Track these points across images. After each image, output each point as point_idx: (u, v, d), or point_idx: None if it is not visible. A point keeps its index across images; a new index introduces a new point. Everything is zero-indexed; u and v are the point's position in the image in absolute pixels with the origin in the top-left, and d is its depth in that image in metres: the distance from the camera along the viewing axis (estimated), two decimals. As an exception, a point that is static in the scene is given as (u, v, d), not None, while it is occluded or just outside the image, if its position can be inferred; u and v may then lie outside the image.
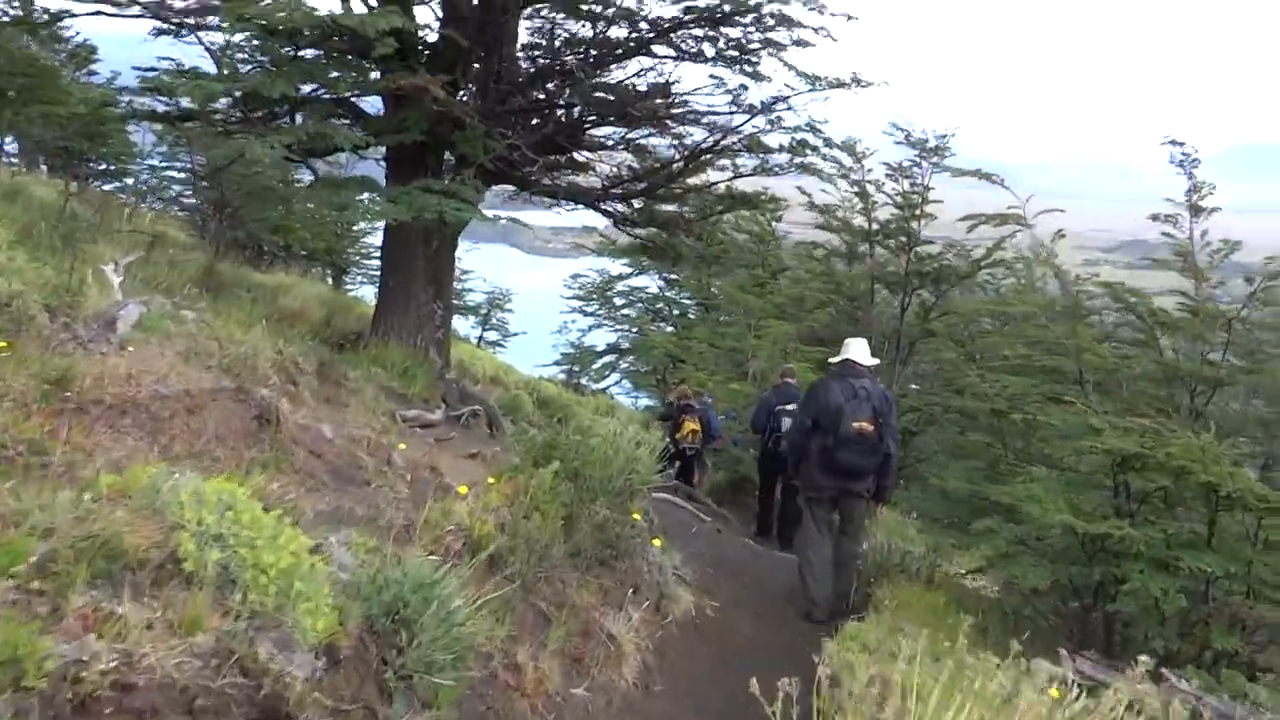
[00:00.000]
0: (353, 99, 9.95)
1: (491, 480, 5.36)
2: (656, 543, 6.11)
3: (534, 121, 9.95)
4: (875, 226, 11.15)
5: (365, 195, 9.00)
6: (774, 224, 29.22)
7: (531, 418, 13.46)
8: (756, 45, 9.46)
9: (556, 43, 10.19)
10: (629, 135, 10.50)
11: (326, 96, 9.57)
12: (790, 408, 9.55)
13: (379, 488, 5.32)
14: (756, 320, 16.43)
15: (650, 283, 31.87)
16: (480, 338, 26.34)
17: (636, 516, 5.36)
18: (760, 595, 7.78)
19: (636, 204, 10.47)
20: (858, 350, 7.08)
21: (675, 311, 30.52)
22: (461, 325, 26.53)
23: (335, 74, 9.06)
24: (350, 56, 9.18)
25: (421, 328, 10.58)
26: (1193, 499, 6.08)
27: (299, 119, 9.89)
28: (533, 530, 4.88)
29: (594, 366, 31.71)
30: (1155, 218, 7.77)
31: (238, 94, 8.82)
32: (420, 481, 6.23)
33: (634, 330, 29.45)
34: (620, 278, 31.08)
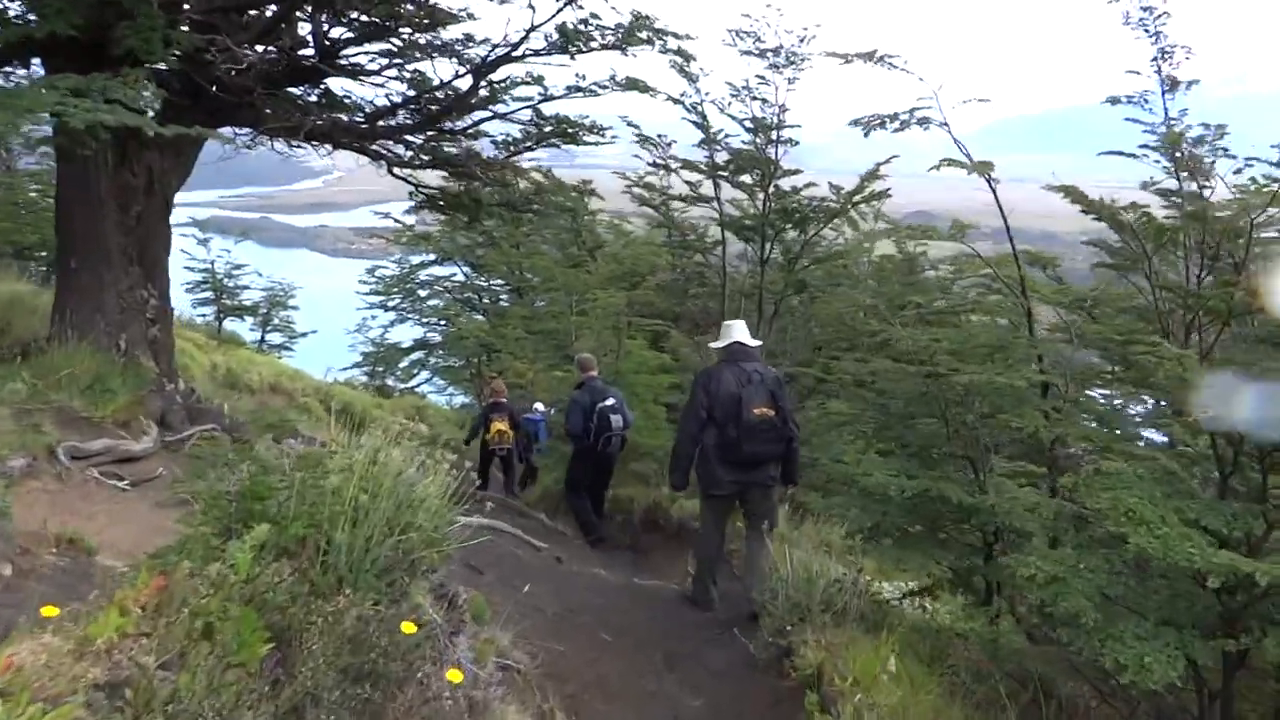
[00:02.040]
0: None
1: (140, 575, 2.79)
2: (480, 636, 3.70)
3: (260, 31, 7.20)
4: (722, 159, 9.03)
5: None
6: (587, 200, 27.25)
7: (303, 433, 10.65)
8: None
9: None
10: (398, 58, 7.89)
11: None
12: (612, 403, 8.95)
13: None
14: (579, 296, 14.14)
15: (456, 270, 29.19)
16: (261, 341, 22.85)
17: (409, 630, 2.88)
18: (634, 658, 5.53)
19: (416, 141, 7.90)
20: (741, 332, 6.68)
21: (486, 299, 27.93)
22: (239, 328, 23.02)
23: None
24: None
25: (125, 325, 7.67)
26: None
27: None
28: (198, 685, 2.37)
29: (401, 365, 28.68)
30: (1115, 100, 6.00)
31: None
32: (36, 573, 3.57)
33: (442, 322, 26.64)
34: (422, 265, 28.14)
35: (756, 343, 6.80)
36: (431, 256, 28.41)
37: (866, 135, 6.67)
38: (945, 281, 10.89)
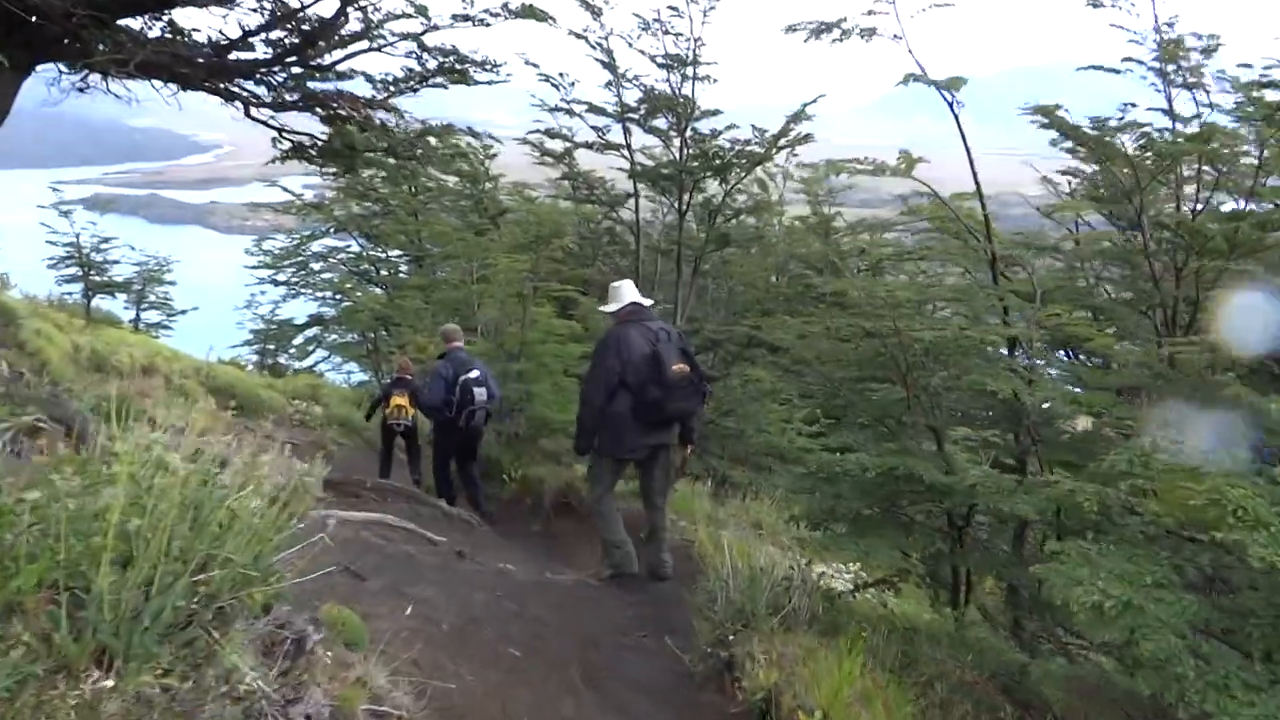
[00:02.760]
0: None
1: None
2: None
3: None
4: (633, 99, 8.06)
5: None
6: (487, 161, 26.03)
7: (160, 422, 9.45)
8: None
9: None
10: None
11: None
12: (476, 375, 8.66)
13: None
14: (480, 262, 13.08)
15: (351, 242, 27.69)
16: (136, 320, 21.05)
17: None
18: (547, 679, 4.66)
19: (277, 78, 6.76)
20: (633, 291, 6.57)
21: (384, 271, 26.53)
22: (115, 308, 21.17)
23: None
24: None
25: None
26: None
27: None
28: None
29: (295, 342, 27.08)
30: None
31: None
32: None
33: (337, 296, 25.16)
34: (314, 237, 26.55)
35: (649, 301, 6.68)
36: (324, 227, 26.86)
37: (806, 42, 5.84)
38: (877, 242, 10.19)
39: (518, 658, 4.83)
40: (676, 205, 7.82)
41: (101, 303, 21.24)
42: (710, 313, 8.37)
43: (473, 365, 8.79)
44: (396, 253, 26.01)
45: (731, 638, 4.20)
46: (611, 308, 6.62)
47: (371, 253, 26.27)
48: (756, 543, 7.96)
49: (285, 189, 26.49)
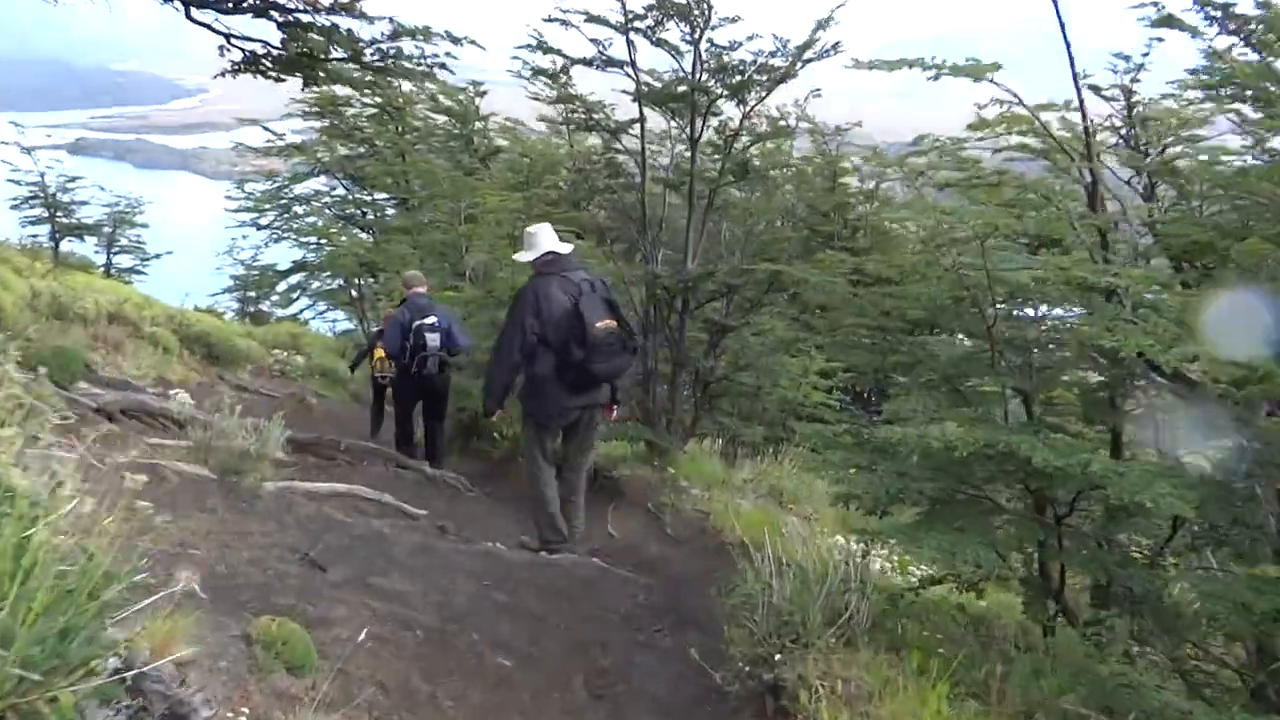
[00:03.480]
0: None
1: None
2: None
3: None
4: (640, 5, 6.91)
5: None
6: (477, 100, 24.85)
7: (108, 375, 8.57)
8: None
9: None
10: None
11: None
12: (431, 321, 8.30)
13: None
14: (468, 202, 12.08)
15: (337, 185, 26.55)
16: (108, 264, 19.91)
17: None
18: (545, 695, 3.82)
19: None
20: (551, 237, 6.02)
21: (370, 214, 25.42)
22: (85, 250, 20.03)
23: None
24: None
25: None
26: None
27: None
28: None
29: (278, 289, 26.01)
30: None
31: None
32: None
33: (320, 242, 24.08)
34: (296, 178, 25.38)
35: (569, 248, 6.14)
36: (308, 168, 25.70)
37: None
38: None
39: (508, 668, 3.98)
40: (689, 131, 6.85)
41: (74, 247, 20.13)
42: (724, 254, 7.46)
43: (430, 311, 8.37)
44: (383, 196, 24.91)
45: (778, 656, 3.32)
46: (527, 256, 6.05)
47: (357, 196, 25.15)
48: (778, 513, 7.13)
49: (266, 128, 25.27)
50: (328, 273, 24.06)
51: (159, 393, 11.47)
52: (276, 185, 25.45)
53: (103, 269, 19.63)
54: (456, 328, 8.51)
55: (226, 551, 4.39)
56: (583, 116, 7.16)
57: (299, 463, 7.11)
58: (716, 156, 7.02)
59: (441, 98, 24.75)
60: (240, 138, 26.48)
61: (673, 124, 7.04)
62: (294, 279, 25.27)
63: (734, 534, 6.37)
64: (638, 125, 7.16)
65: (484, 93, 24.89)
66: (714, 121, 6.90)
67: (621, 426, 7.30)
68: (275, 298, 25.14)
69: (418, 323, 8.31)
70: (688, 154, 7.22)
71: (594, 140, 8.40)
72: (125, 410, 7.18)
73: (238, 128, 25.09)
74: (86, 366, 7.59)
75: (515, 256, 6.63)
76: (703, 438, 7.97)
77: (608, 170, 7.78)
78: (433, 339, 8.26)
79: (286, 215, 25.64)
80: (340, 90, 25.37)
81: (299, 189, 25.71)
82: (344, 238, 24.23)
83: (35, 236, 18.53)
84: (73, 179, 18.62)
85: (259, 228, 25.65)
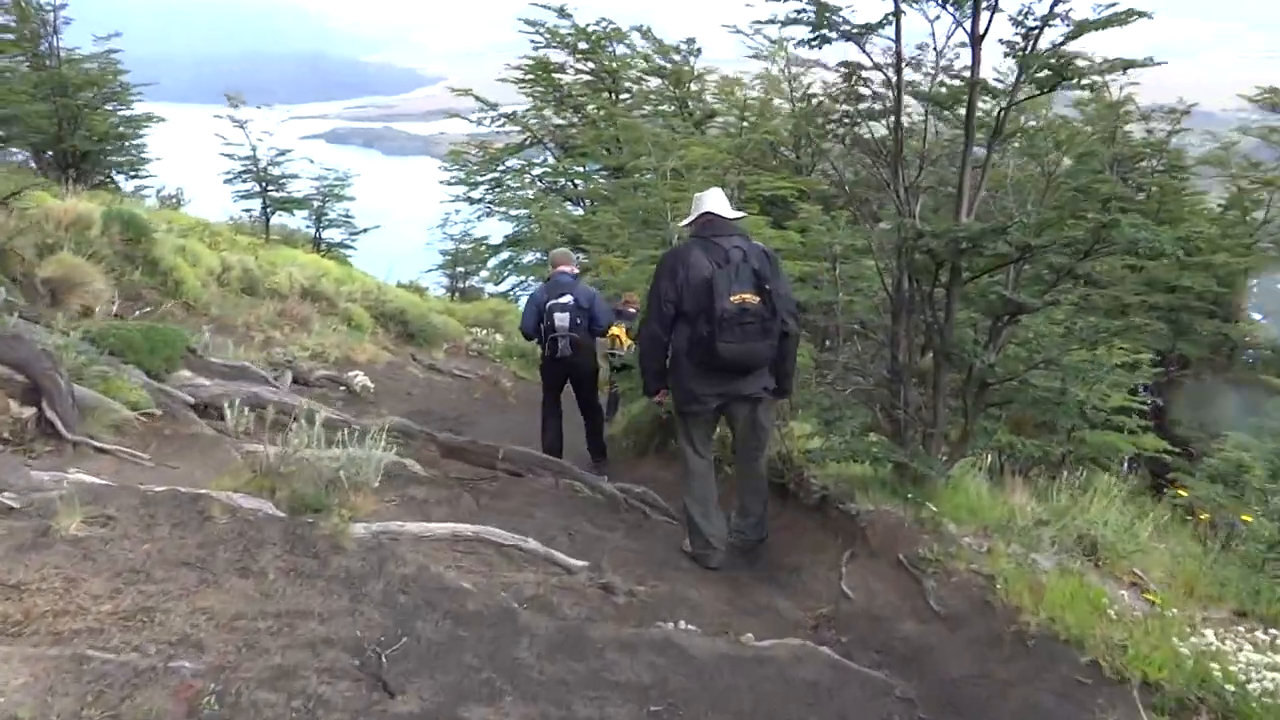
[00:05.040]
0: None
1: None
2: None
3: None
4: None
5: None
6: (692, 58, 23.26)
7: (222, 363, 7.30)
8: None
9: None
10: None
11: None
12: (565, 300, 7.83)
13: None
14: (675, 156, 10.32)
15: (548, 155, 25.79)
16: (317, 239, 19.64)
17: None
18: None
19: None
20: (717, 200, 5.36)
21: (579, 185, 24.36)
22: (292, 223, 19.97)
23: None
24: None
25: None
26: None
27: None
28: None
29: (489, 265, 25.48)
30: None
31: None
32: None
33: (527, 215, 23.27)
34: (508, 150, 24.66)
35: (737, 214, 5.53)
36: (521, 137, 24.95)
37: None
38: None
39: None
40: (969, 24, 4.70)
41: (289, 222, 20.10)
42: (1013, 209, 5.26)
43: (567, 290, 7.87)
44: (594, 166, 23.76)
45: None
46: (686, 221, 5.55)
47: (567, 166, 24.14)
48: (1095, 576, 4.91)
49: (478, 98, 24.70)
50: (538, 248, 23.22)
51: (334, 375, 10.54)
52: (486, 157, 24.86)
53: (314, 244, 19.37)
54: (600, 308, 8.00)
55: (245, 656, 2.82)
56: (824, 14, 5.12)
57: (435, 479, 5.58)
58: (1010, 58, 4.82)
59: (656, 57, 23.40)
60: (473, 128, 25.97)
61: (945, 11, 4.91)
62: (505, 255, 24.63)
63: (1036, 616, 4.26)
64: (890, 26, 5.09)
65: (698, 50, 23.24)
66: (1003, 12, 4.73)
67: (860, 442, 5.30)
68: (485, 274, 24.59)
69: (550, 302, 7.83)
70: (961, 65, 5.10)
71: (826, 78, 6.43)
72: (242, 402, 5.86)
73: (473, 114, 24.69)
74: (191, 351, 6.31)
75: (676, 224, 6.03)
76: (973, 457, 5.82)
77: (846, 97, 5.73)
78: (561, 319, 7.75)
79: (498, 189, 25.05)
80: (554, 56, 24.78)
81: (510, 161, 25.07)
82: (556, 210, 23.33)
83: (249, 211, 18.50)
84: (283, 152, 18.39)
85: (471, 202, 25.22)
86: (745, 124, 16.34)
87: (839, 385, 5.73)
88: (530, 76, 24.61)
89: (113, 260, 10.16)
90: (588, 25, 23.51)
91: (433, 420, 10.14)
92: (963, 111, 5.17)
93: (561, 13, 23.30)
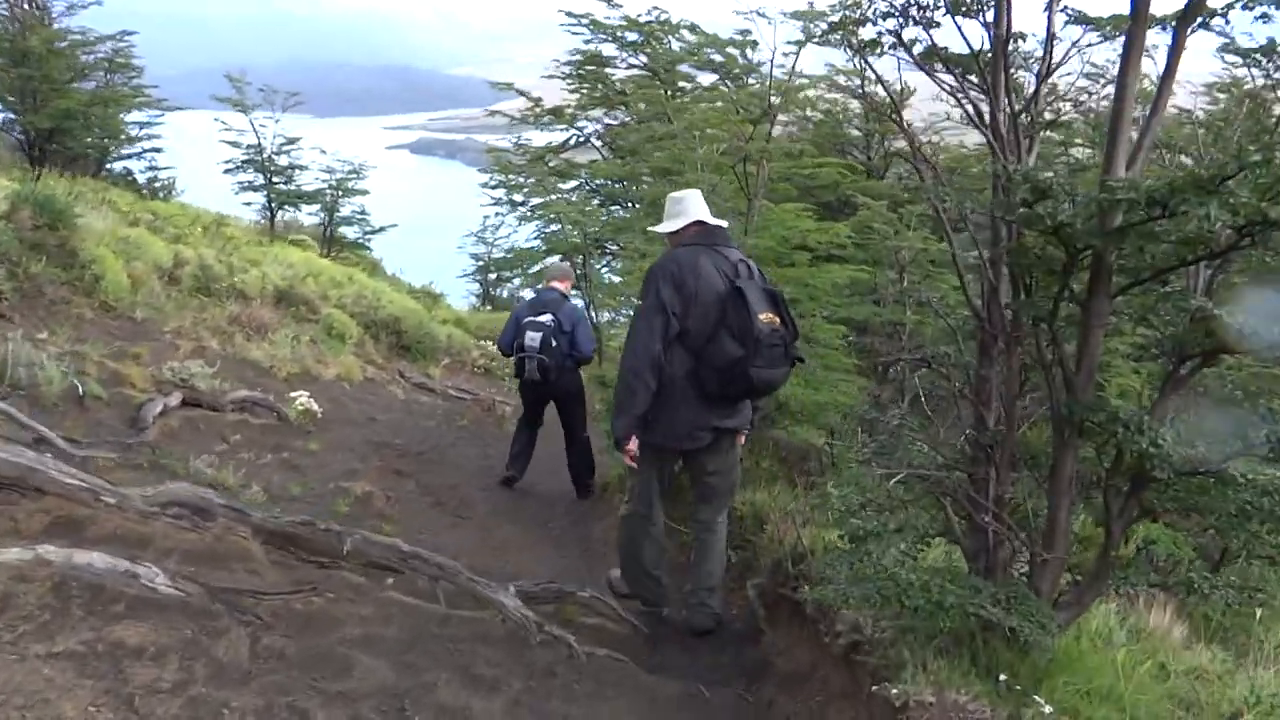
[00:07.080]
0: None
1: None
2: None
3: None
4: None
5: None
6: (748, 51, 21.21)
7: None
8: None
9: None
10: None
11: None
12: (543, 319, 7.37)
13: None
14: (700, 132, 8.15)
15: (596, 156, 23.96)
16: (328, 236, 17.62)
17: None
18: None
19: None
20: (701, 205, 4.69)
21: (630, 185, 22.40)
22: (312, 222, 18.19)
23: None
24: None
25: None
26: None
27: None
28: None
29: (529, 270, 23.64)
30: None
31: None
32: None
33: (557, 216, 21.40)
34: (550, 149, 22.78)
35: (723, 222, 4.81)
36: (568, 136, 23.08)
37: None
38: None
39: None
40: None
41: (300, 217, 18.30)
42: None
43: (549, 307, 7.58)
44: (645, 170, 21.70)
45: None
46: (669, 226, 4.67)
47: (617, 167, 22.16)
48: None
49: (521, 91, 22.85)
50: (579, 256, 21.28)
51: (259, 398, 8.52)
52: (530, 158, 23.06)
53: (324, 242, 17.50)
54: (582, 332, 7.61)
55: None
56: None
57: (186, 601, 3.37)
58: None
59: (709, 50, 21.40)
60: (554, 137, 24.34)
61: None
62: (540, 263, 22.80)
63: None
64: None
65: (754, 43, 21.08)
66: None
67: (914, 574, 2.96)
68: (518, 280, 22.71)
69: (528, 319, 7.56)
70: None
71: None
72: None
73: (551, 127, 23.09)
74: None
75: (653, 228, 5.32)
76: (1121, 588, 3.38)
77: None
78: (532, 338, 7.36)
79: (539, 190, 23.20)
80: (605, 50, 22.89)
81: (554, 162, 23.23)
82: (601, 213, 21.40)
83: (251, 205, 16.74)
84: (291, 141, 16.58)
85: (514, 204, 23.45)
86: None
87: (881, 461, 3.37)
88: (580, 73, 22.82)
89: (17, 250, 8.38)
90: (639, 15, 21.57)
91: (388, 453, 8.11)
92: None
93: (611, 2, 21.43)
